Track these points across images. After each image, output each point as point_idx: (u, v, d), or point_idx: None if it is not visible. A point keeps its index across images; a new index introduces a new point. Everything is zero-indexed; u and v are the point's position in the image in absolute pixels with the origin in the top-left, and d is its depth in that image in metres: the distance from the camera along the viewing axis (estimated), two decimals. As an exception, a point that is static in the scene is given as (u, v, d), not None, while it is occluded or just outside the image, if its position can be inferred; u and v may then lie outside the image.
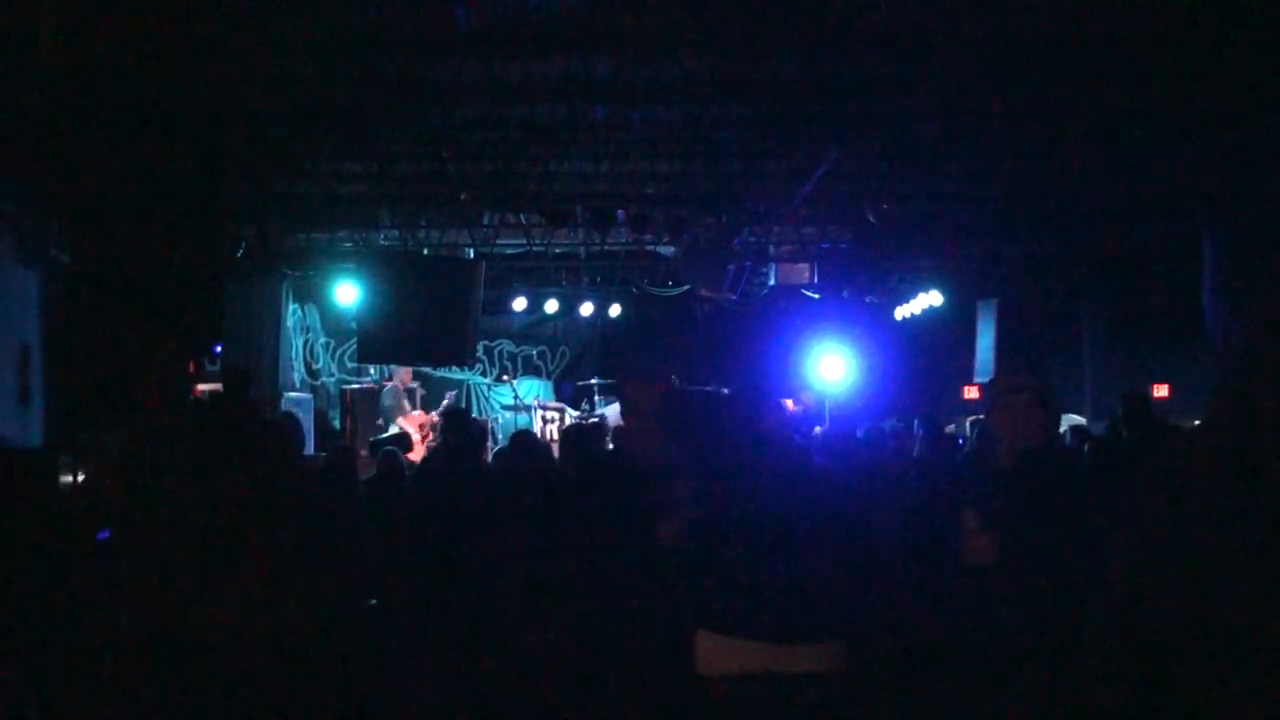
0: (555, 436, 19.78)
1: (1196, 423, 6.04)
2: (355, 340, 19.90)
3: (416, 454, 16.21)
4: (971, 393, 21.95)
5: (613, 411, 18.16)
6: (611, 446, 10.31)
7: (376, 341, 17.50)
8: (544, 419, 20.55)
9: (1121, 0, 9.56)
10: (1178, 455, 4.33)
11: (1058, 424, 5.74)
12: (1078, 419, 17.29)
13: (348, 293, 18.63)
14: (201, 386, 15.39)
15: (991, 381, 5.98)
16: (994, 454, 5.69)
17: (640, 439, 6.26)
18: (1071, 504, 5.27)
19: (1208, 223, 15.92)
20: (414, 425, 18.32)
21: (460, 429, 11.28)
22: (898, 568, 6.96)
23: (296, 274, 21.08)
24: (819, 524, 5.29)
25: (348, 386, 21.05)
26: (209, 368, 16.61)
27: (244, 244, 17.29)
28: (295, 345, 22.02)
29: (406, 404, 19.13)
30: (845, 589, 5.26)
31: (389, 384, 19.55)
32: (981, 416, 9.69)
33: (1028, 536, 5.20)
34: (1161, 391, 19.67)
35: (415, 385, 19.68)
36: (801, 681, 5.13)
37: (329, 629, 7.78)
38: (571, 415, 20.53)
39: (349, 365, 22.74)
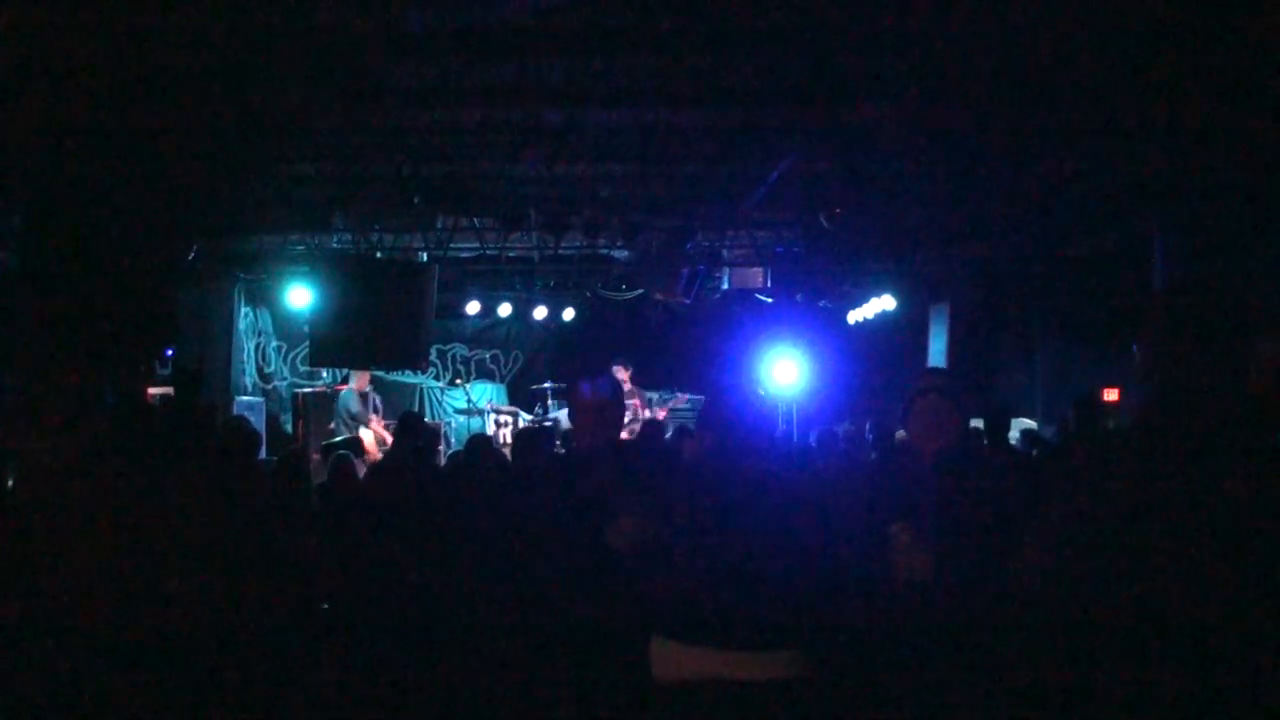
0: (508, 440, 19.77)
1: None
2: (307, 344, 19.84)
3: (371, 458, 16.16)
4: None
5: (565, 415, 18.15)
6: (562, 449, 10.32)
7: (329, 345, 17.44)
8: (497, 423, 20.53)
9: (1077, 8, 9.60)
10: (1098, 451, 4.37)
11: (968, 424, 5.73)
12: (1029, 423, 17.39)
13: (300, 296, 18.56)
14: (153, 390, 15.32)
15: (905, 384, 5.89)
16: (909, 458, 5.66)
17: (589, 441, 6.23)
18: (996, 505, 5.26)
19: (1160, 226, 16.03)
20: (382, 436, 18.27)
21: (414, 433, 11.27)
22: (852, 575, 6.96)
23: (249, 277, 21.00)
24: (775, 529, 5.28)
25: (300, 390, 20.99)
26: (161, 371, 16.53)
27: (196, 247, 17.20)
28: (247, 349, 21.93)
29: (363, 408, 19.09)
30: (801, 595, 5.25)
31: (344, 388, 19.50)
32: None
33: (961, 544, 5.20)
34: (1112, 395, 19.78)
35: (369, 390, 19.64)
36: (758, 689, 5.12)
37: (280, 633, 7.74)
38: (525, 419, 20.52)
39: (301, 369, 22.66)
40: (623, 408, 6.64)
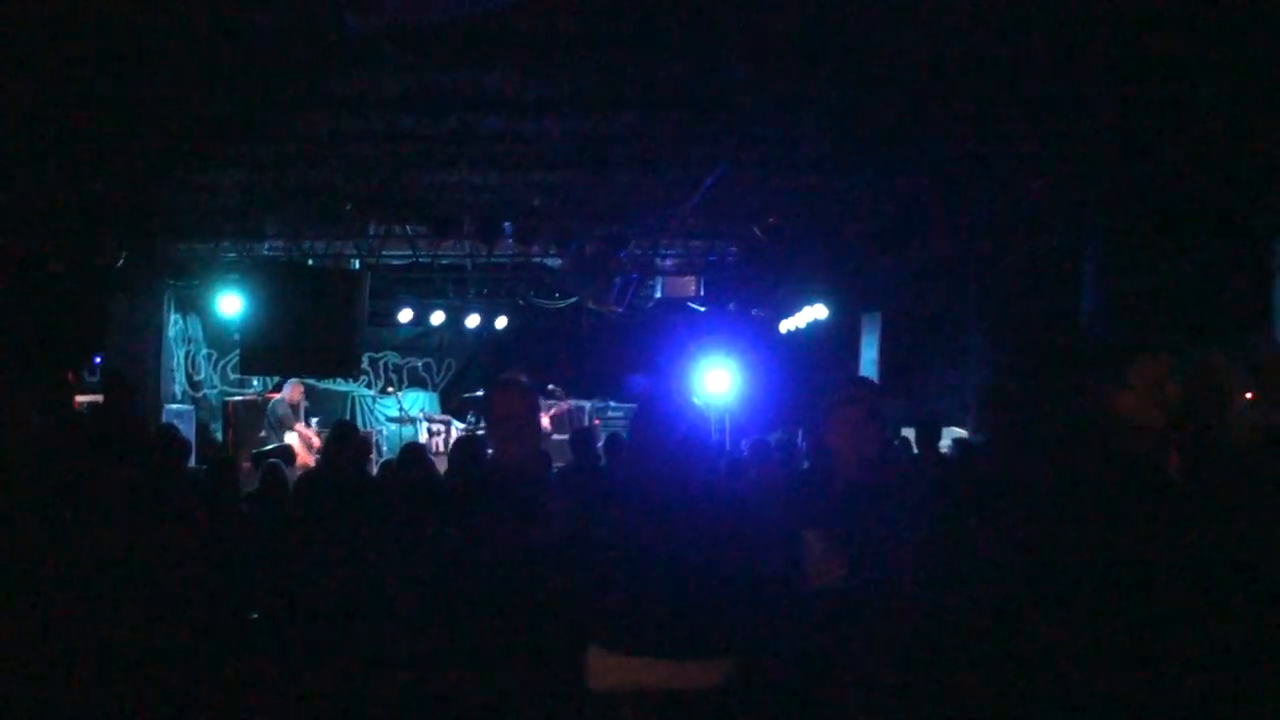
0: (441, 449, 19.73)
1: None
2: (238, 351, 19.71)
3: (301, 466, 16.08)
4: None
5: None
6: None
7: (260, 352, 17.34)
8: (430, 431, 20.48)
9: (1005, 17, 9.69)
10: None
11: (890, 433, 5.75)
12: (960, 431, 17.49)
13: (231, 303, 18.45)
14: (81, 398, 15.19)
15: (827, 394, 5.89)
16: (832, 468, 5.67)
17: (508, 448, 6.20)
18: (917, 514, 5.28)
19: (1089, 235, 16.18)
20: (309, 437, 18.18)
21: (346, 441, 11.22)
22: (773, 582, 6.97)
23: (179, 284, 20.84)
24: (705, 539, 5.29)
25: (230, 398, 20.85)
26: (89, 379, 16.39)
27: (125, 254, 17.06)
28: (177, 356, 21.75)
29: (291, 413, 18.99)
30: (730, 604, 5.27)
31: (277, 396, 19.39)
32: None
33: (879, 551, 5.22)
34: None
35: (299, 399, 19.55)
36: (690, 697, 5.13)
37: (209, 641, 7.69)
38: (458, 427, 20.47)
39: (232, 376, 22.50)
40: (538, 416, 6.62)
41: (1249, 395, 5.77)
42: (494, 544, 5.86)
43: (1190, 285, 19.24)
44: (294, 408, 18.92)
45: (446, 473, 11.12)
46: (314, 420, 19.60)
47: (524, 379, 6.79)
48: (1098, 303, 16.06)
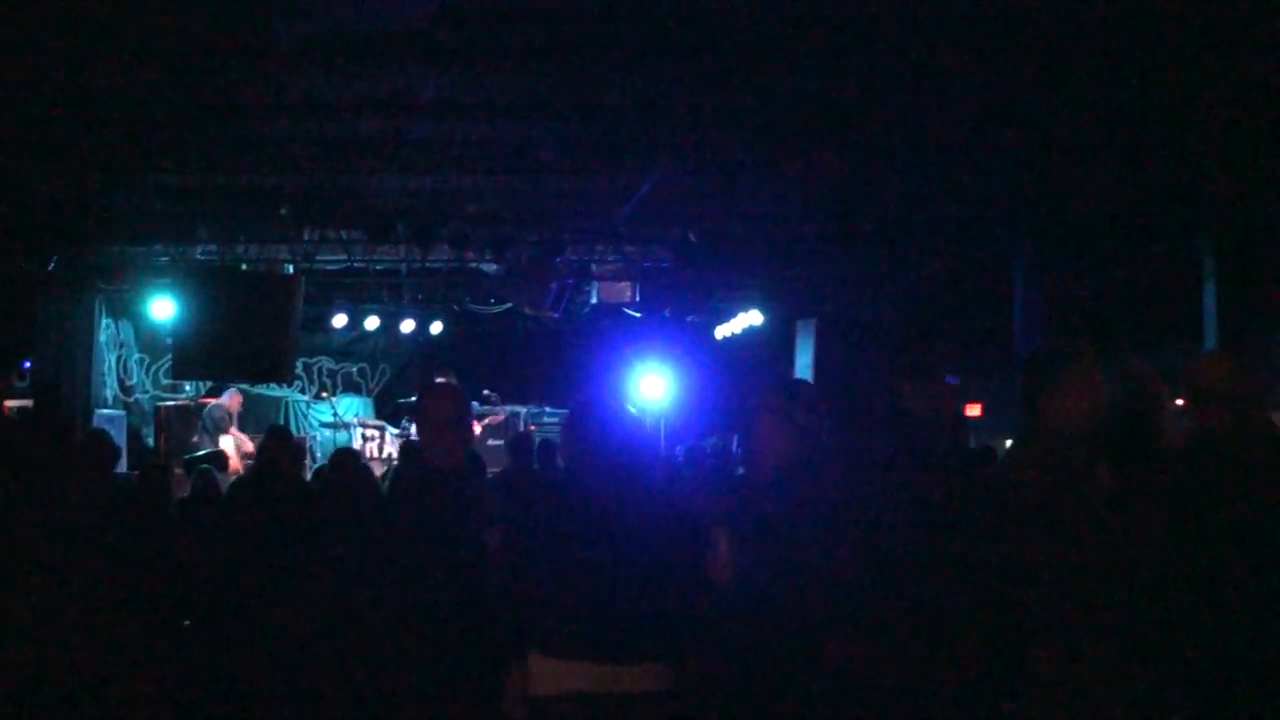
0: (375, 454, 19.66)
1: (1009, 442, 6.22)
2: (170, 356, 19.56)
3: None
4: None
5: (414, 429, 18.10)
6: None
7: (193, 357, 17.21)
8: (364, 436, 20.40)
9: (936, 25, 9.75)
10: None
11: (814, 437, 5.68)
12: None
13: (163, 308, 18.32)
14: (10, 402, 15.06)
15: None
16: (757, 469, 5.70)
17: (438, 453, 6.18)
18: (829, 517, 5.28)
19: (1019, 245, 16.31)
20: (243, 443, 18.09)
21: (279, 447, 11.16)
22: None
23: (110, 288, 20.67)
24: (641, 543, 5.30)
25: (162, 403, 20.70)
26: (18, 384, 16.24)
27: (55, 257, 16.91)
28: (108, 361, 21.57)
29: (226, 417, 18.87)
30: (669, 608, 5.28)
31: (211, 401, 19.27)
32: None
33: (780, 552, 5.24)
34: (974, 410, 20.07)
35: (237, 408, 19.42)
36: (631, 701, 5.14)
37: (142, 649, 7.64)
38: (392, 433, 20.40)
39: (164, 381, 22.33)
40: (470, 419, 6.61)
41: (1179, 402, 5.83)
42: (429, 549, 5.85)
43: (1121, 293, 19.44)
44: (231, 414, 18.81)
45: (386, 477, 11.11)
46: (247, 426, 19.49)
47: (453, 381, 6.79)
48: (1028, 310, 16.19)
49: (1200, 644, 4.72)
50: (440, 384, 6.92)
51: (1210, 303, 14.94)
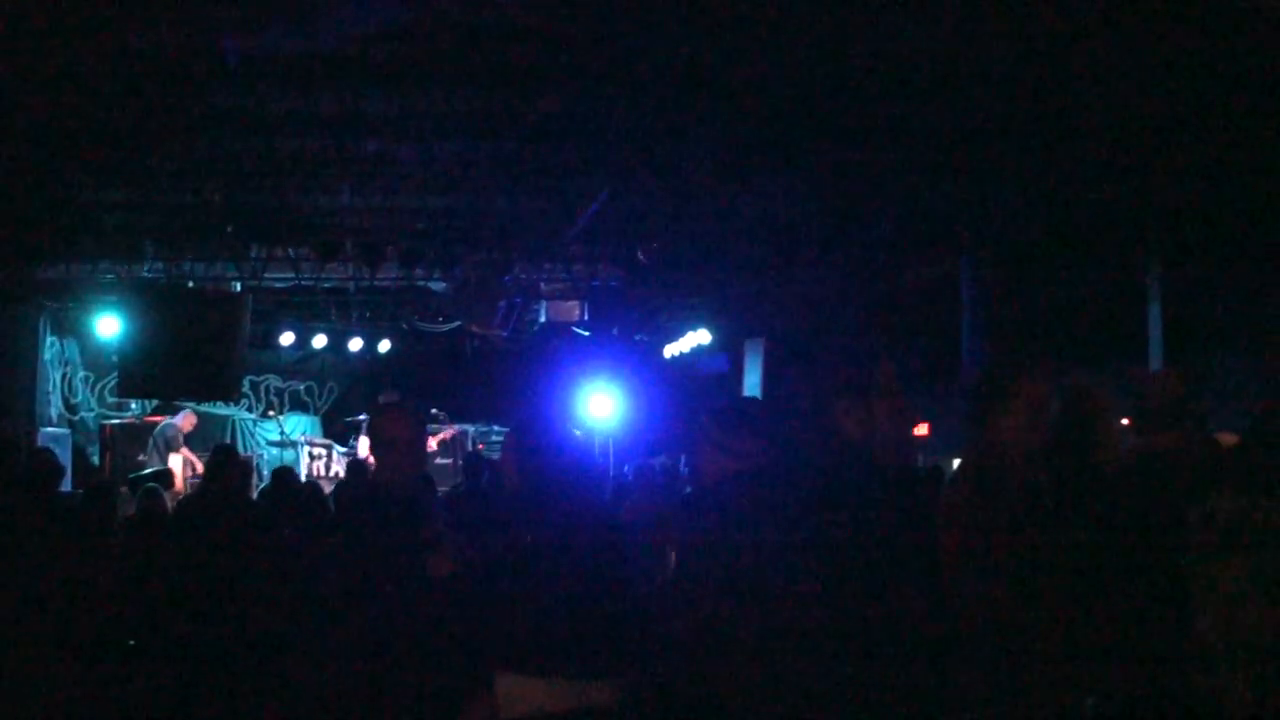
0: (322, 473, 19.60)
1: (956, 461, 6.26)
2: (116, 374, 19.45)
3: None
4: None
5: (364, 446, 18.06)
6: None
7: (139, 375, 17.14)
8: (311, 455, 20.33)
9: (885, 45, 9.81)
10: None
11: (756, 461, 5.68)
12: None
13: (109, 325, 18.24)
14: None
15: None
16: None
17: (391, 472, 6.16)
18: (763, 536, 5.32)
19: (965, 263, 16.38)
20: (193, 462, 18.00)
21: (226, 465, 11.11)
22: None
23: (55, 306, 20.54)
24: (591, 560, 5.31)
25: (108, 421, 20.57)
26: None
27: (-1, 274, 16.81)
28: (53, 379, 21.42)
29: (178, 436, 18.77)
30: (635, 623, 5.29)
31: (158, 420, 19.17)
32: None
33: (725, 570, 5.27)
34: (921, 430, 20.13)
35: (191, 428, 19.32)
36: (596, 716, 5.14)
37: (86, 669, 7.59)
38: (339, 452, 20.34)
39: (109, 400, 22.19)
40: (424, 439, 6.60)
41: (1125, 421, 5.88)
42: (384, 571, 5.83)
43: (1067, 312, 19.56)
44: (184, 434, 18.73)
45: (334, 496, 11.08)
46: (194, 444, 19.39)
47: (399, 400, 6.78)
48: (975, 328, 16.27)
49: (1141, 664, 4.76)
50: (395, 404, 6.92)
51: (1156, 321, 15.06)
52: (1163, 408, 5.56)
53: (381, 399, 19.14)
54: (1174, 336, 14.96)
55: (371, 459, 6.88)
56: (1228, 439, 7.66)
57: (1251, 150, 12.00)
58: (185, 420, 18.94)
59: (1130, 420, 5.77)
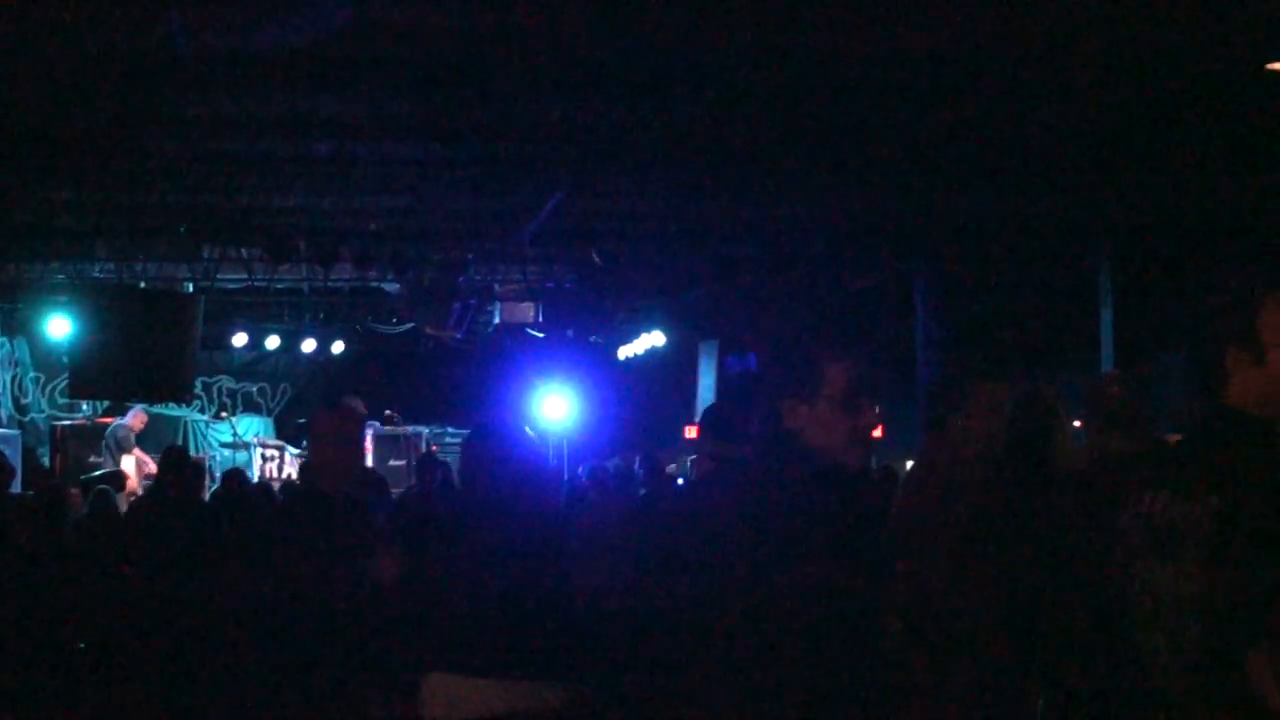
0: (275, 474, 19.51)
1: (909, 463, 6.29)
2: (67, 375, 19.33)
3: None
4: (691, 432, 22.27)
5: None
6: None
7: (90, 376, 17.03)
8: (264, 457, 20.24)
9: (835, 55, 9.84)
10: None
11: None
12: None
13: (60, 326, 18.12)
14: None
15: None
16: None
17: (330, 475, 6.12)
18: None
19: (918, 269, 16.46)
20: (145, 463, 17.90)
21: (178, 467, 11.06)
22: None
23: (5, 306, 20.41)
24: (544, 561, 5.31)
25: (59, 423, 20.44)
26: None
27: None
28: (3, 380, 21.29)
29: (130, 437, 18.66)
30: (581, 625, 5.29)
31: (109, 420, 19.06)
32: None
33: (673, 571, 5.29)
34: (875, 433, 20.18)
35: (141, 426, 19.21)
36: (544, 717, 5.14)
37: (37, 672, 7.55)
38: (292, 453, 20.26)
39: (60, 400, 22.04)
40: (363, 440, 6.59)
41: (1078, 424, 5.92)
42: (311, 572, 5.79)
43: (1020, 316, 19.68)
44: (135, 434, 18.61)
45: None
46: (146, 446, 19.29)
47: (357, 404, 6.75)
48: (929, 331, 16.34)
49: (1096, 667, 4.78)
50: (333, 405, 6.88)
51: (1107, 325, 15.16)
52: (1114, 411, 5.59)
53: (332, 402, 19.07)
54: (1125, 339, 15.07)
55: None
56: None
57: (1199, 155, 12.11)
58: (135, 419, 18.81)
59: (1083, 423, 5.81)
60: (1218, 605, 3.05)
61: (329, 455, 6.09)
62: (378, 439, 20.24)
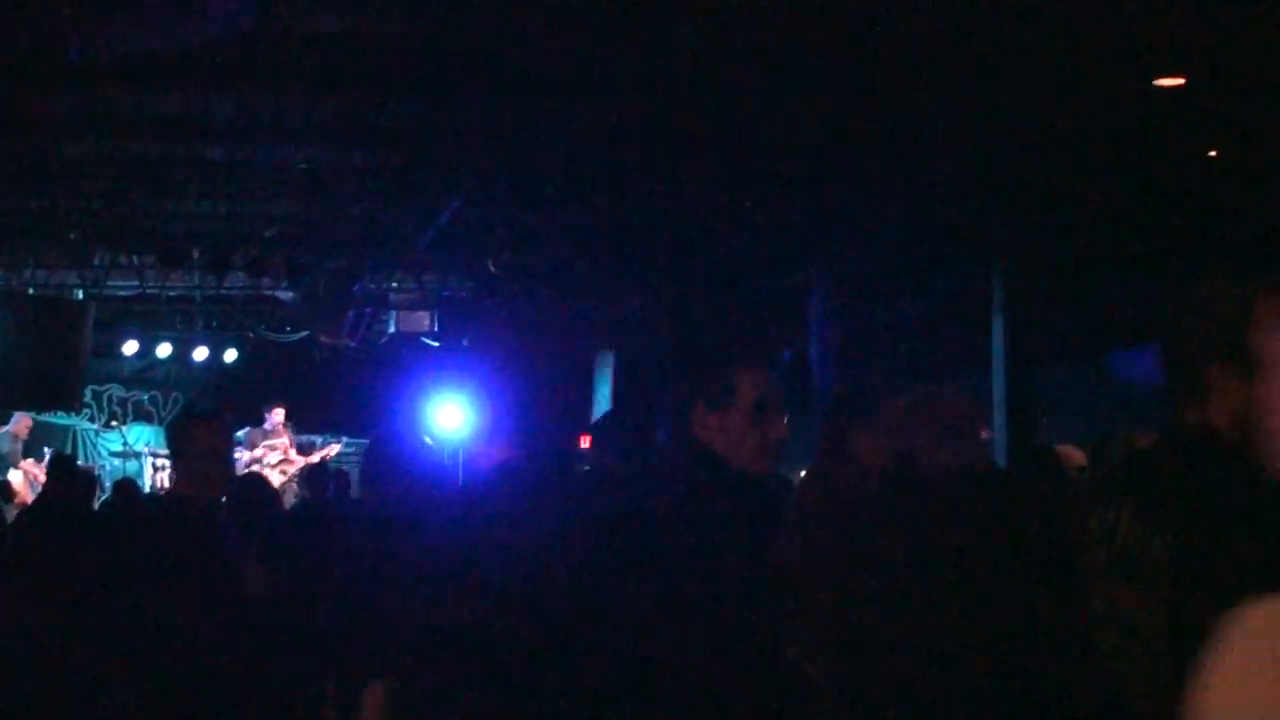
0: (166, 484, 19.26)
1: (803, 472, 6.30)
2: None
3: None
4: (585, 442, 22.23)
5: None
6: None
7: (-24, 384, 16.79)
8: (155, 466, 20.00)
9: (735, 61, 9.88)
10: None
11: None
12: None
13: (-54, 332, 17.82)
14: None
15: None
16: None
17: (197, 484, 5.93)
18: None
19: (815, 277, 16.54)
20: (34, 473, 17.61)
21: (65, 476, 10.91)
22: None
23: (-111, 312, 20.03)
24: (444, 569, 5.29)
25: (-57, 432, 20.10)
26: None
27: None
28: (-117, 388, 20.87)
29: (15, 448, 18.36)
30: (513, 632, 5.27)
31: (2, 429, 18.74)
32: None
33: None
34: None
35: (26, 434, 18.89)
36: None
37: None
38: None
39: (-55, 409, 21.67)
40: (232, 452, 6.48)
41: (985, 434, 5.94)
42: (202, 586, 5.67)
43: (913, 326, 19.85)
44: (21, 441, 18.32)
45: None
46: (34, 455, 18.99)
47: (229, 413, 6.62)
48: (824, 342, 16.43)
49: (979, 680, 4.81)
50: (200, 414, 6.76)
51: (999, 334, 15.30)
52: (969, 427, 5.61)
53: (266, 413, 19.01)
54: (1017, 348, 15.21)
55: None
56: (1072, 453, 7.82)
57: (1092, 162, 12.27)
58: (20, 425, 18.50)
59: (986, 434, 5.83)
60: (1182, 642, 2.97)
61: (197, 468, 5.89)
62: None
